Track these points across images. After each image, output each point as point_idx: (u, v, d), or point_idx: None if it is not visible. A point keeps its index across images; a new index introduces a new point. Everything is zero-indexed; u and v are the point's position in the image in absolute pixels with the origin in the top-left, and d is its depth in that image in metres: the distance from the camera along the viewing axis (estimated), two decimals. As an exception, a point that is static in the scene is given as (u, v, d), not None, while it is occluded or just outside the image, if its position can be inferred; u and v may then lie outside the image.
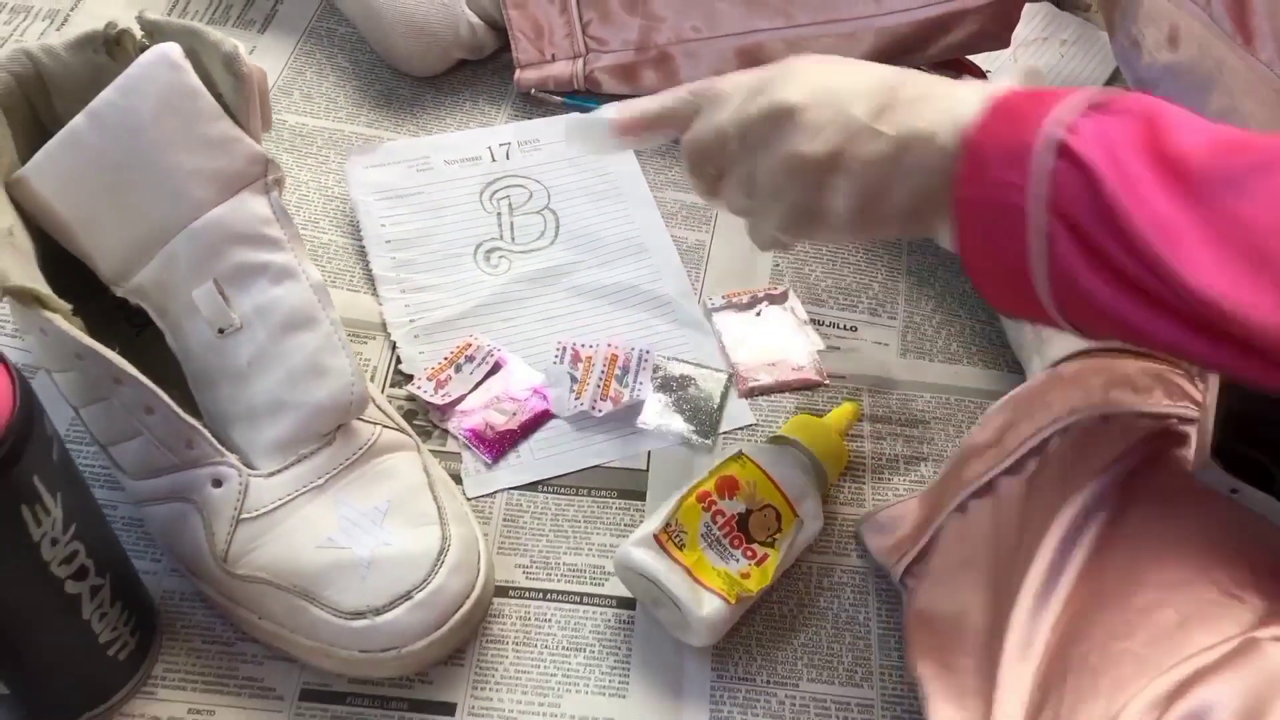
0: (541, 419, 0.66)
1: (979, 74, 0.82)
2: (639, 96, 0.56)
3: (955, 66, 0.81)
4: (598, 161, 0.79)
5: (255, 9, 0.89)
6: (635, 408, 0.66)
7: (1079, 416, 0.53)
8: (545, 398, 0.67)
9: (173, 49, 0.55)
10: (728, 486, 0.58)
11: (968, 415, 0.69)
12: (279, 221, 0.56)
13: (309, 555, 0.53)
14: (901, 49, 0.78)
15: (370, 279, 0.72)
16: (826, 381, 0.69)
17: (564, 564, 0.61)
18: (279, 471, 0.54)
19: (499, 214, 0.76)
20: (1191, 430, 0.51)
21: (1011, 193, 0.41)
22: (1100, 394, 0.53)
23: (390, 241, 0.74)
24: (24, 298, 0.51)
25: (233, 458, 0.54)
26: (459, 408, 0.66)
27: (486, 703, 0.56)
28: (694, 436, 0.66)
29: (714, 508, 0.57)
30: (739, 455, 0.59)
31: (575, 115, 0.59)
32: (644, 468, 0.65)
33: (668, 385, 0.68)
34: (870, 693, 0.58)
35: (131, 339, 0.61)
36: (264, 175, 0.56)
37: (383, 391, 0.67)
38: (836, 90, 0.47)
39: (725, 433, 0.67)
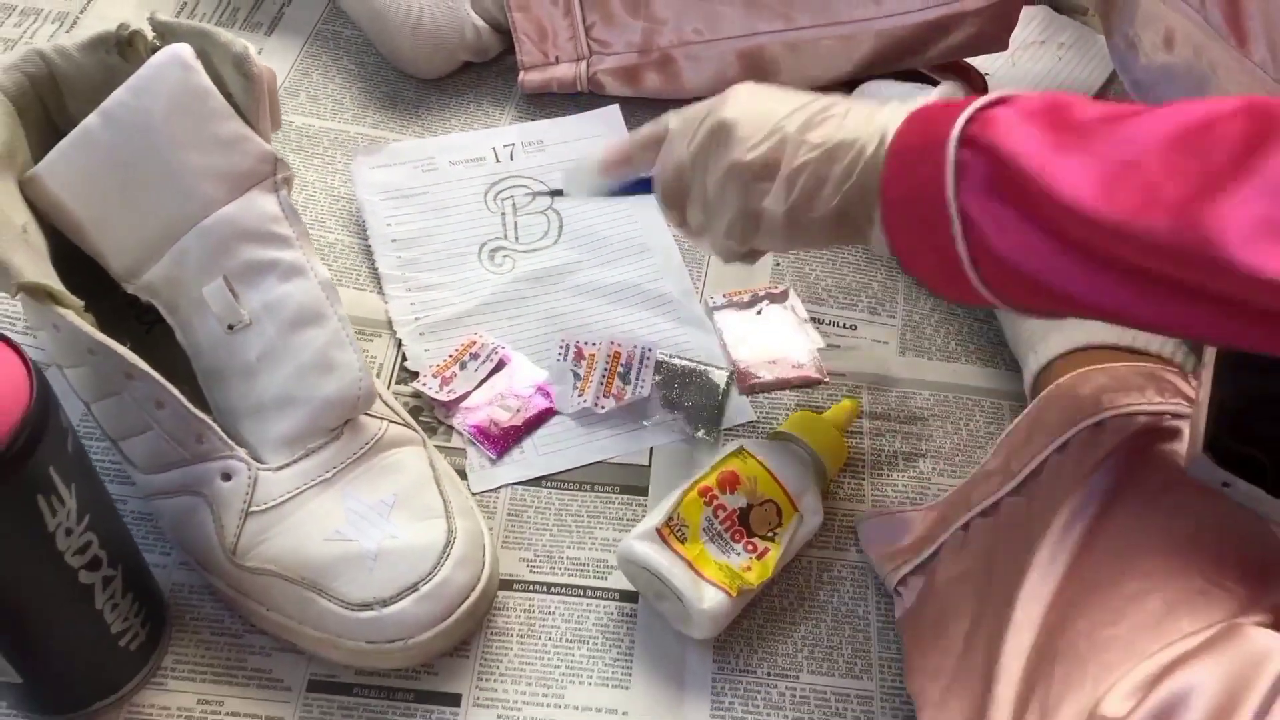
0: (545, 415, 0.67)
1: (978, 77, 0.82)
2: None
3: (954, 69, 0.81)
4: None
5: (262, 11, 0.90)
6: (638, 404, 0.67)
7: (1075, 429, 0.54)
8: (549, 395, 0.67)
9: (184, 50, 0.56)
10: (729, 481, 0.58)
11: (965, 412, 0.70)
12: (288, 219, 0.57)
13: (317, 548, 0.54)
14: (901, 51, 0.78)
15: (376, 277, 0.73)
16: (826, 379, 0.70)
17: (567, 558, 0.62)
18: (287, 465, 0.55)
19: (503, 214, 0.77)
20: (1184, 426, 0.52)
21: (930, 186, 0.45)
22: (1092, 405, 0.55)
23: (396, 241, 0.74)
24: (38, 294, 0.51)
25: (242, 452, 0.55)
26: (463, 404, 0.67)
27: (491, 694, 0.56)
28: (695, 433, 0.67)
29: (715, 502, 0.58)
30: (740, 451, 0.60)
31: (569, 165, 0.64)
32: (646, 463, 0.66)
33: (670, 382, 0.68)
34: (869, 685, 0.58)
35: (141, 336, 0.62)
36: (273, 174, 0.57)
37: (389, 388, 0.67)
38: (771, 109, 0.52)
39: (726, 429, 0.67)
